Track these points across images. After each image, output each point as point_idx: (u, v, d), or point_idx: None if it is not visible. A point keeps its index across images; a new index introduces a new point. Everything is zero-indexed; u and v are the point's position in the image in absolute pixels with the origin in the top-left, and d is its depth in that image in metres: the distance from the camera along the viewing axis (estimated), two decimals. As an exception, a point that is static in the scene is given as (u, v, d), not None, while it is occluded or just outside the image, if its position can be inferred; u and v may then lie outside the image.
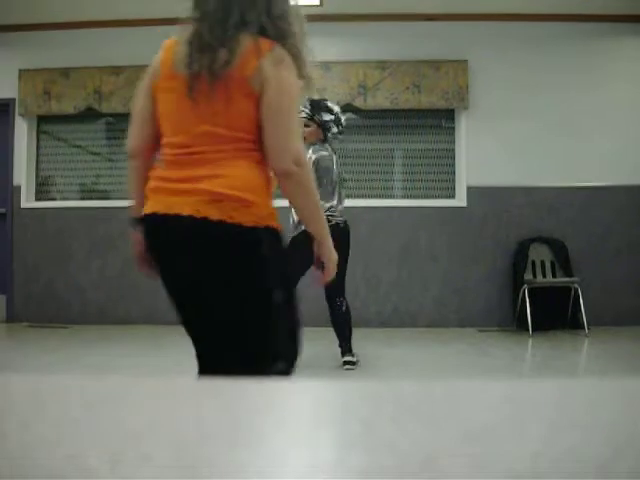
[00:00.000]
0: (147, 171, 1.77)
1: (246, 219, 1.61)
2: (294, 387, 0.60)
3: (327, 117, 4.14)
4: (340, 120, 4.16)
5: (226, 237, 1.62)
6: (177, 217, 1.62)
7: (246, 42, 1.65)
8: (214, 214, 1.60)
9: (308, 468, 0.36)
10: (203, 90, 1.64)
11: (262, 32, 1.68)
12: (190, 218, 1.60)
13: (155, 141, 1.77)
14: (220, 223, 1.60)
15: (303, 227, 3.60)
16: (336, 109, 4.19)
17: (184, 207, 1.61)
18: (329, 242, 1.79)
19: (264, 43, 1.66)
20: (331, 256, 1.80)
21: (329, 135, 4.14)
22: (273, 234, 1.67)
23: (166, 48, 1.76)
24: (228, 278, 1.65)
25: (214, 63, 1.63)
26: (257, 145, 1.67)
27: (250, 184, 1.65)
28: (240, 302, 1.64)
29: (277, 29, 1.69)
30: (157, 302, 5.96)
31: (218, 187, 1.61)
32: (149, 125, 1.77)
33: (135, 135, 1.80)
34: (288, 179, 1.66)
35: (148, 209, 1.70)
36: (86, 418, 0.45)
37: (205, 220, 1.60)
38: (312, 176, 1.72)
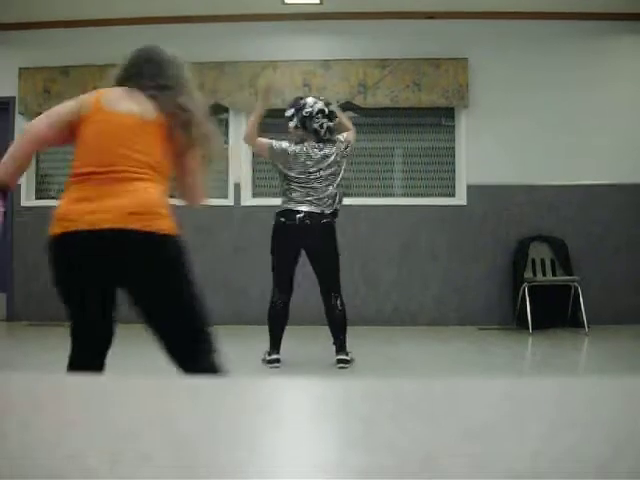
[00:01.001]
0: (32, 156, 2.16)
1: (162, 227, 1.99)
2: (294, 385, 0.60)
3: (287, 113, 4.20)
4: (299, 114, 4.13)
5: (149, 242, 1.98)
6: (102, 231, 1.94)
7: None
8: (136, 225, 1.95)
9: (308, 467, 0.36)
10: (135, 125, 2.07)
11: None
12: (113, 230, 1.93)
13: (55, 143, 2.19)
14: (140, 231, 1.95)
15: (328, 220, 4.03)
16: (303, 102, 4.17)
17: (108, 221, 1.94)
18: None
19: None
20: None
21: (298, 130, 4.16)
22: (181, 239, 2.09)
23: (94, 94, 2.18)
24: (161, 278, 2.03)
25: (148, 109, 2.10)
26: (162, 172, 2.10)
27: (161, 200, 2.05)
28: (180, 287, 2.05)
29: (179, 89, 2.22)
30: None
31: (139, 201, 1.98)
32: (65, 131, 2.11)
33: (54, 128, 2.10)
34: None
35: (65, 228, 1.99)
36: (85, 418, 0.45)
37: (129, 230, 1.94)
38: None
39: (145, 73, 2.20)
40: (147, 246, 1.99)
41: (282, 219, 4.07)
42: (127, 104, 2.11)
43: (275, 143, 4.16)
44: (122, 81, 2.23)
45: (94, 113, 2.10)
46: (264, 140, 4.22)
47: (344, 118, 4.44)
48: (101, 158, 2.04)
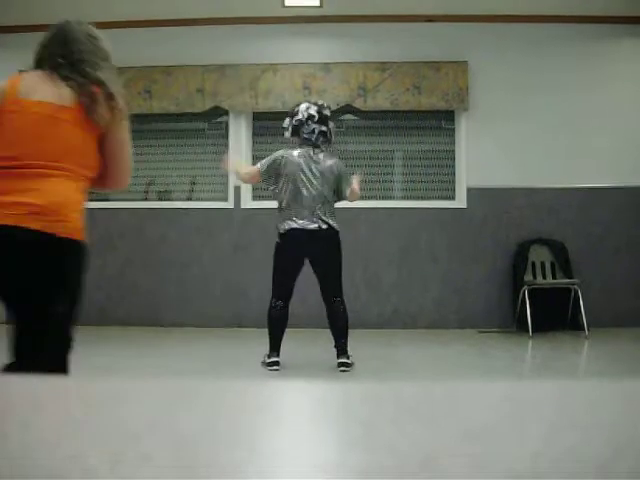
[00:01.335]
0: None
1: (61, 231, 1.91)
2: (293, 387, 0.60)
3: (284, 124, 4.24)
4: (291, 123, 4.15)
5: (45, 244, 1.89)
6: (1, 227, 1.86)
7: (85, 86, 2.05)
8: (36, 225, 1.87)
9: (308, 468, 0.36)
10: (51, 114, 1.98)
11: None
12: (12, 228, 1.86)
13: None
14: (37, 232, 1.87)
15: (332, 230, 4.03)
16: (296, 110, 4.17)
17: (6, 219, 1.87)
18: None
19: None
20: None
21: (293, 139, 4.19)
22: (84, 246, 2.03)
23: (11, 80, 2.07)
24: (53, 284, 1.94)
25: (64, 93, 2.01)
26: (83, 164, 2.01)
27: (69, 200, 1.96)
28: (69, 298, 1.98)
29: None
30: (156, 303, 5.96)
31: (48, 200, 1.90)
32: None
33: None
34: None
35: None
36: (86, 418, 0.45)
37: (26, 230, 1.86)
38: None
39: (58, 52, 2.11)
40: (42, 248, 1.91)
41: (284, 237, 4.05)
42: (42, 91, 2.02)
43: (261, 162, 4.19)
44: (38, 63, 2.13)
45: (9, 103, 2.01)
46: (252, 168, 4.28)
47: (357, 185, 4.27)
48: (15, 152, 1.96)
